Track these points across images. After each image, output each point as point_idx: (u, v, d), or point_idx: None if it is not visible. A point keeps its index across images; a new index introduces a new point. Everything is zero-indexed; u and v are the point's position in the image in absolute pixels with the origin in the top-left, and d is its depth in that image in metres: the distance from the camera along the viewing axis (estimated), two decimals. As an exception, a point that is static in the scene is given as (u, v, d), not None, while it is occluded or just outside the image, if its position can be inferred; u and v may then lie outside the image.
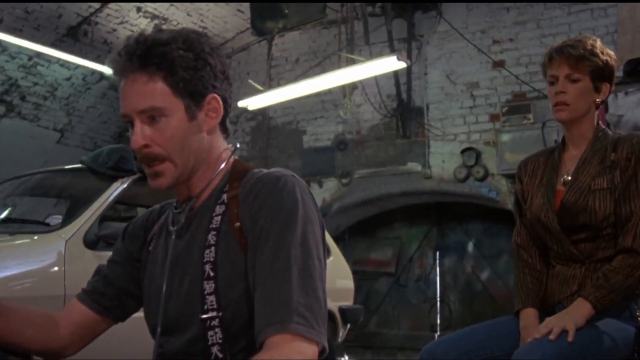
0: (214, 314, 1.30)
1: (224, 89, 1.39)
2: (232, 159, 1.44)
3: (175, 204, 1.47)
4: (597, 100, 2.12)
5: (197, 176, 1.39)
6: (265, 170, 1.37)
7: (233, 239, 1.31)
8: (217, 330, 1.30)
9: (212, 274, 1.31)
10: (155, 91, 1.31)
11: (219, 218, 1.35)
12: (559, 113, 2.12)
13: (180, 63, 1.32)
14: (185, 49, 1.32)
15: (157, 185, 1.37)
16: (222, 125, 1.42)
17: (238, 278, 1.29)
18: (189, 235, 1.38)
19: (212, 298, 1.30)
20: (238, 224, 1.31)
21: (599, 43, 2.12)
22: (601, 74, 2.10)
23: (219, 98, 1.37)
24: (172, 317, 1.37)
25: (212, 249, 1.32)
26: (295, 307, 1.17)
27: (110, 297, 1.52)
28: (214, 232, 1.33)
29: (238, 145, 1.49)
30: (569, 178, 2.11)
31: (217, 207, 1.36)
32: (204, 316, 1.30)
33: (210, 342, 1.30)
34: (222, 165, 1.41)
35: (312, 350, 1.17)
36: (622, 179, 2.02)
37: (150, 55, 1.31)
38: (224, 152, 1.43)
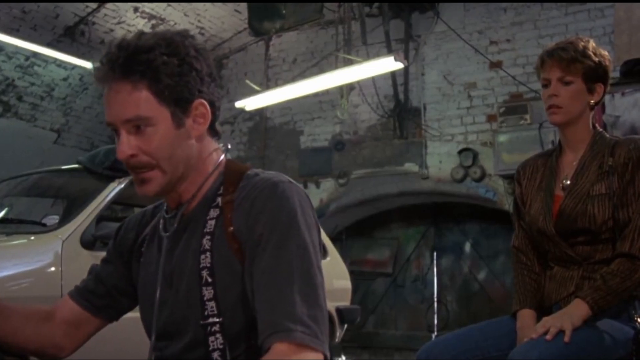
0: (215, 319, 1.29)
1: (211, 93, 1.36)
2: (223, 160, 1.41)
3: (166, 208, 1.45)
4: (592, 101, 2.12)
5: (188, 181, 1.37)
6: (261, 174, 1.35)
7: (226, 244, 1.30)
8: (217, 335, 1.29)
9: (209, 279, 1.30)
10: (140, 100, 1.28)
11: (213, 222, 1.33)
12: (552, 116, 2.12)
13: (164, 70, 1.28)
14: (169, 54, 1.29)
15: (145, 192, 1.34)
16: (212, 128, 1.39)
17: (234, 283, 1.29)
18: (184, 240, 1.37)
19: (212, 304, 1.30)
20: (231, 228, 1.29)
21: (591, 44, 2.12)
22: (594, 75, 2.09)
23: (206, 103, 1.34)
24: (170, 322, 1.36)
25: (208, 254, 1.31)
26: (300, 317, 1.17)
27: (101, 296, 1.52)
28: (209, 237, 1.32)
29: (229, 146, 1.47)
30: (568, 183, 2.11)
31: (211, 210, 1.35)
32: (205, 322, 1.30)
33: (211, 348, 1.30)
34: (214, 168, 1.39)
35: (318, 358, 1.18)
36: (620, 185, 2.03)
37: (133, 63, 1.27)
38: (215, 153, 1.40)
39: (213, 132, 1.40)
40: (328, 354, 1.20)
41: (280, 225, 1.24)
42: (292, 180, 1.33)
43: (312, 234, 1.28)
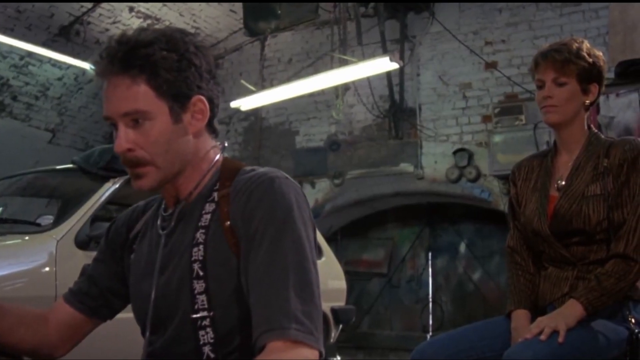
0: (205, 313, 1.29)
1: (210, 89, 1.35)
2: (220, 158, 1.41)
3: (163, 205, 1.44)
4: (586, 102, 2.12)
5: (184, 177, 1.37)
6: (257, 169, 1.35)
7: (223, 238, 1.29)
8: (208, 330, 1.29)
9: (201, 273, 1.30)
10: (138, 94, 1.28)
11: (208, 216, 1.33)
12: (547, 115, 2.12)
13: (164, 64, 1.28)
14: (168, 49, 1.29)
15: (140, 186, 1.34)
16: (210, 125, 1.39)
17: (229, 277, 1.28)
18: (177, 234, 1.37)
19: (202, 297, 1.29)
20: (228, 222, 1.29)
21: (585, 45, 2.12)
22: (588, 76, 2.09)
23: (204, 99, 1.34)
24: (162, 316, 1.36)
25: (201, 247, 1.31)
26: (294, 314, 1.17)
27: (95, 297, 1.51)
28: (203, 231, 1.32)
29: (226, 144, 1.46)
30: (563, 183, 2.11)
31: (207, 205, 1.34)
32: (195, 316, 1.29)
33: (201, 342, 1.29)
34: (211, 165, 1.39)
35: (314, 355, 1.17)
36: (614, 186, 2.03)
37: (133, 57, 1.27)
38: (212, 151, 1.40)
39: (211, 129, 1.40)
40: (323, 351, 1.19)
41: (276, 221, 1.23)
42: (288, 176, 1.32)
43: (308, 230, 1.27)
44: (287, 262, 1.21)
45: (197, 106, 1.34)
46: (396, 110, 7.97)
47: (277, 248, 1.22)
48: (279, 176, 1.30)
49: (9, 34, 7.16)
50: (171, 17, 8.24)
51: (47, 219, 4.26)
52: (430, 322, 8.66)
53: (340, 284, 5.44)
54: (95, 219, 3.68)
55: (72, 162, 4.08)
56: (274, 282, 1.20)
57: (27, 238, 3.60)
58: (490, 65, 7.46)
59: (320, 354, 1.19)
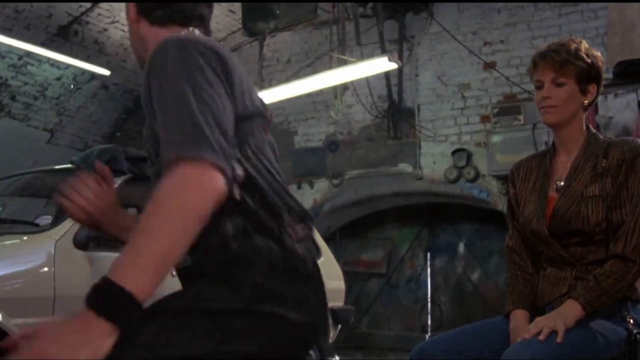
0: None
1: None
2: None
3: None
4: (585, 102, 2.13)
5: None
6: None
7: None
8: None
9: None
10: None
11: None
12: (546, 115, 2.12)
13: None
14: None
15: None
16: (158, 17, 1.58)
17: None
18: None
19: None
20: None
21: (584, 45, 2.12)
22: (587, 76, 2.10)
23: (133, 5, 1.61)
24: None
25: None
26: (173, 133, 1.28)
27: None
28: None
29: (193, 29, 1.59)
30: (562, 184, 2.12)
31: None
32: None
33: None
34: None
35: (202, 166, 1.24)
36: (613, 186, 2.03)
37: None
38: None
39: (166, 19, 1.58)
40: (220, 163, 1.26)
41: (156, 73, 1.37)
42: (187, 36, 1.47)
43: (191, 74, 1.35)
44: (168, 103, 1.33)
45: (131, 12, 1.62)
46: (395, 111, 7.97)
47: (161, 95, 1.35)
48: (172, 37, 1.43)
49: (8, 33, 7.15)
50: (170, 17, 8.23)
51: (46, 219, 4.25)
52: (429, 322, 8.66)
53: (339, 284, 5.44)
54: (94, 219, 3.67)
55: (71, 162, 4.08)
56: (161, 114, 1.34)
57: (25, 238, 3.60)
58: (489, 66, 7.47)
59: (221, 169, 1.26)
